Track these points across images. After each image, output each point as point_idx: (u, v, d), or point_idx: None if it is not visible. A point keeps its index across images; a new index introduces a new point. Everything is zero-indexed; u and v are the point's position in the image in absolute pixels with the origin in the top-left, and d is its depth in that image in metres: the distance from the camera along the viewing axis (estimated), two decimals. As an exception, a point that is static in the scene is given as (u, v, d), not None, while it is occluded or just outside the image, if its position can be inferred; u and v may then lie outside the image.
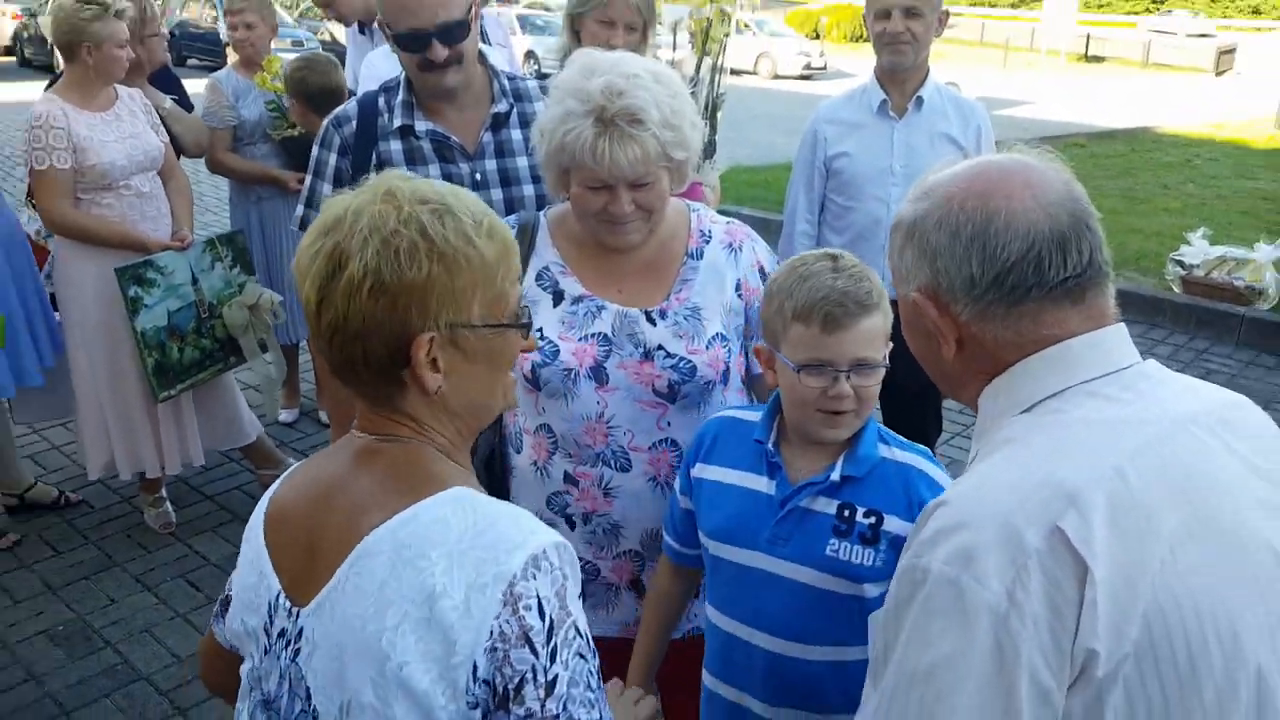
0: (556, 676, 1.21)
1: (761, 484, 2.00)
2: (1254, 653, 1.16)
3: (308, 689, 1.29)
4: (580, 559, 2.24)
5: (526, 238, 2.28)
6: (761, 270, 2.29)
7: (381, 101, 2.78)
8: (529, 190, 2.81)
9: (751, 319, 2.26)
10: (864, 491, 1.91)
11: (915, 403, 3.68)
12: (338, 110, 2.84)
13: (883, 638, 1.25)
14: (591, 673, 1.27)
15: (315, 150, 2.84)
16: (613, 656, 2.49)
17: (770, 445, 1.99)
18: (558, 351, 2.17)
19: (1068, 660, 1.11)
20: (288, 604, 1.34)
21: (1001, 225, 1.27)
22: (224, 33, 22.60)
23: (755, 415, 2.07)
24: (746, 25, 29.01)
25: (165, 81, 5.05)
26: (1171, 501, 1.17)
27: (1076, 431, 1.24)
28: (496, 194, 2.78)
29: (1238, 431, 1.28)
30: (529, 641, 1.21)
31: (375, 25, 5.27)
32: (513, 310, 1.39)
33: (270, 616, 1.36)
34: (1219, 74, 31.41)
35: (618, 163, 1.99)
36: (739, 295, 2.26)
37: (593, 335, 2.19)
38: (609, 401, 2.18)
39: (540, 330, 2.18)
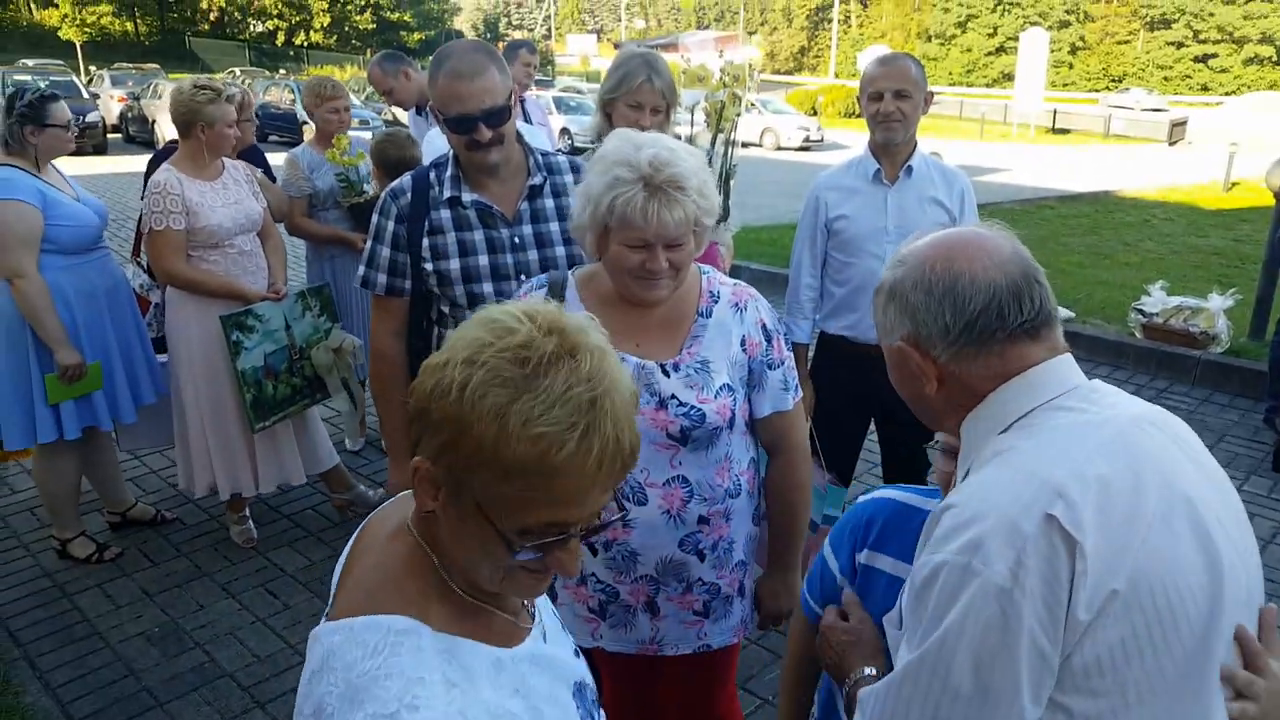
0: None
1: None
2: (1232, 596, 1.27)
3: None
4: (602, 582, 2.29)
5: (557, 294, 2.29)
6: (763, 327, 2.29)
7: (433, 175, 2.83)
8: (560, 251, 2.84)
9: (754, 370, 2.28)
10: None
11: (913, 444, 3.70)
12: (393, 184, 2.87)
13: (910, 621, 1.31)
14: None
15: (375, 217, 2.86)
16: (629, 670, 2.50)
17: None
18: None
19: (1062, 626, 1.20)
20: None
21: (966, 283, 1.37)
22: (300, 113, 22.92)
23: (928, 503, 1.76)
24: (753, 104, 29.14)
25: (253, 157, 5.13)
26: (1146, 482, 1.26)
27: (1054, 436, 1.32)
28: (532, 254, 2.81)
29: (1172, 428, 1.40)
30: None
31: (429, 108, 5.38)
32: (516, 523, 1.10)
33: None
34: (1172, 144, 31.26)
35: (665, 223, 2.03)
36: (743, 349, 2.26)
37: None
38: None
39: None
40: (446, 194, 2.78)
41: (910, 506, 1.78)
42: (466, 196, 2.78)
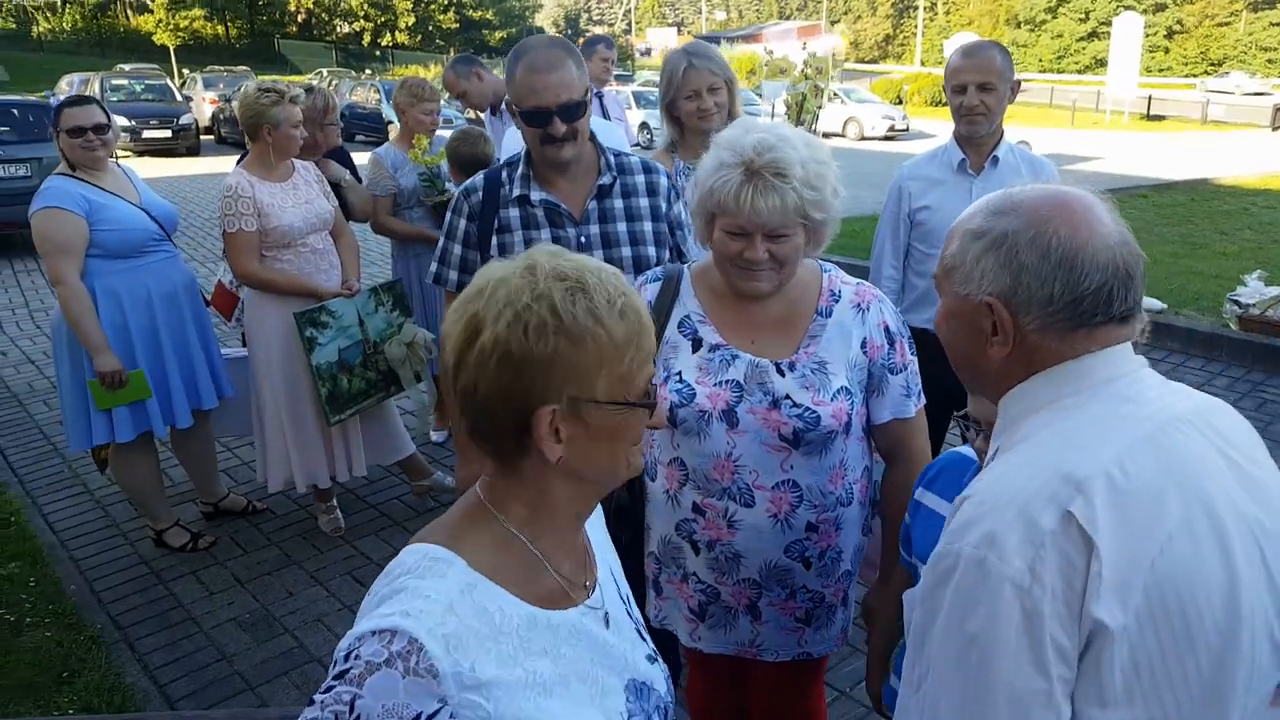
0: (314, 701, 1.12)
1: None
2: (1250, 616, 1.20)
3: None
4: (703, 582, 2.28)
5: (671, 287, 2.27)
6: (886, 329, 2.20)
7: (504, 174, 2.84)
8: (627, 252, 2.84)
9: (874, 374, 2.20)
10: None
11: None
12: (467, 182, 2.90)
13: (920, 614, 1.28)
14: None
15: (448, 215, 2.90)
16: (727, 671, 2.52)
17: None
18: (694, 394, 2.14)
19: (1078, 623, 1.15)
20: None
21: (1088, 256, 1.28)
22: (386, 113, 23.28)
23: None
24: (835, 94, 28.87)
25: (340, 159, 5.25)
26: (1169, 489, 1.20)
27: (1084, 425, 1.27)
28: (599, 254, 2.77)
29: (1219, 429, 1.31)
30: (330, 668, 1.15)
31: (504, 108, 5.44)
32: (640, 389, 1.26)
33: None
34: (1276, 129, 30.18)
35: (757, 210, 1.96)
36: (864, 351, 2.17)
37: (726, 381, 2.15)
38: (738, 443, 2.14)
39: (680, 373, 2.17)
40: (515, 192, 2.79)
41: (966, 457, 2.07)
42: (535, 195, 2.78)
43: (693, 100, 3.48)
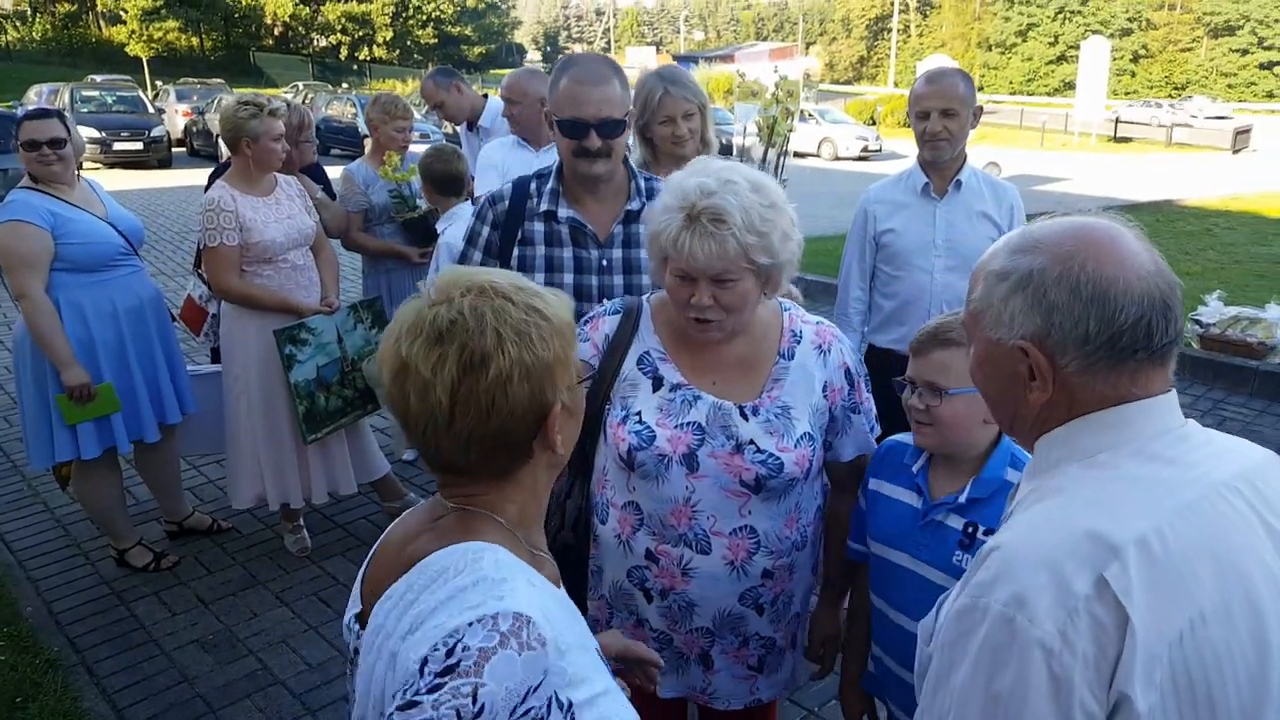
0: (418, 704, 1.09)
1: (911, 498, 2.12)
2: (1278, 694, 1.15)
3: (354, 698, 1.31)
4: (654, 629, 2.24)
5: (631, 320, 2.21)
6: (847, 371, 2.18)
7: (533, 186, 2.78)
8: (648, 280, 2.73)
9: (836, 417, 2.18)
10: (988, 511, 1.96)
11: None
12: (495, 190, 2.85)
13: (939, 660, 1.23)
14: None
15: (471, 222, 2.84)
16: (675, 712, 2.50)
17: (916, 469, 2.12)
18: (654, 437, 2.08)
19: (1106, 691, 1.10)
20: (357, 625, 1.35)
21: (1120, 290, 1.22)
22: (362, 127, 23.26)
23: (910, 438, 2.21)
24: (809, 114, 29.04)
25: (315, 175, 5.21)
26: (1205, 565, 1.15)
27: (1124, 488, 1.21)
28: (619, 279, 2.75)
29: (1265, 496, 1.25)
30: (421, 671, 1.12)
31: (480, 125, 5.48)
32: (578, 362, 1.38)
33: (352, 634, 1.37)
34: (1236, 152, 30.65)
35: (695, 255, 1.92)
36: (825, 395, 2.15)
37: (688, 424, 2.09)
38: (697, 487, 2.09)
39: (639, 414, 2.11)
40: (543, 207, 2.73)
41: (902, 443, 2.19)
42: (562, 212, 2.72)
43: (667, 125, 3.49)
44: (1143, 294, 1.22)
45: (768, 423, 2.08)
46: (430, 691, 1.09)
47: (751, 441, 2.06)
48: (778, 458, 2.05)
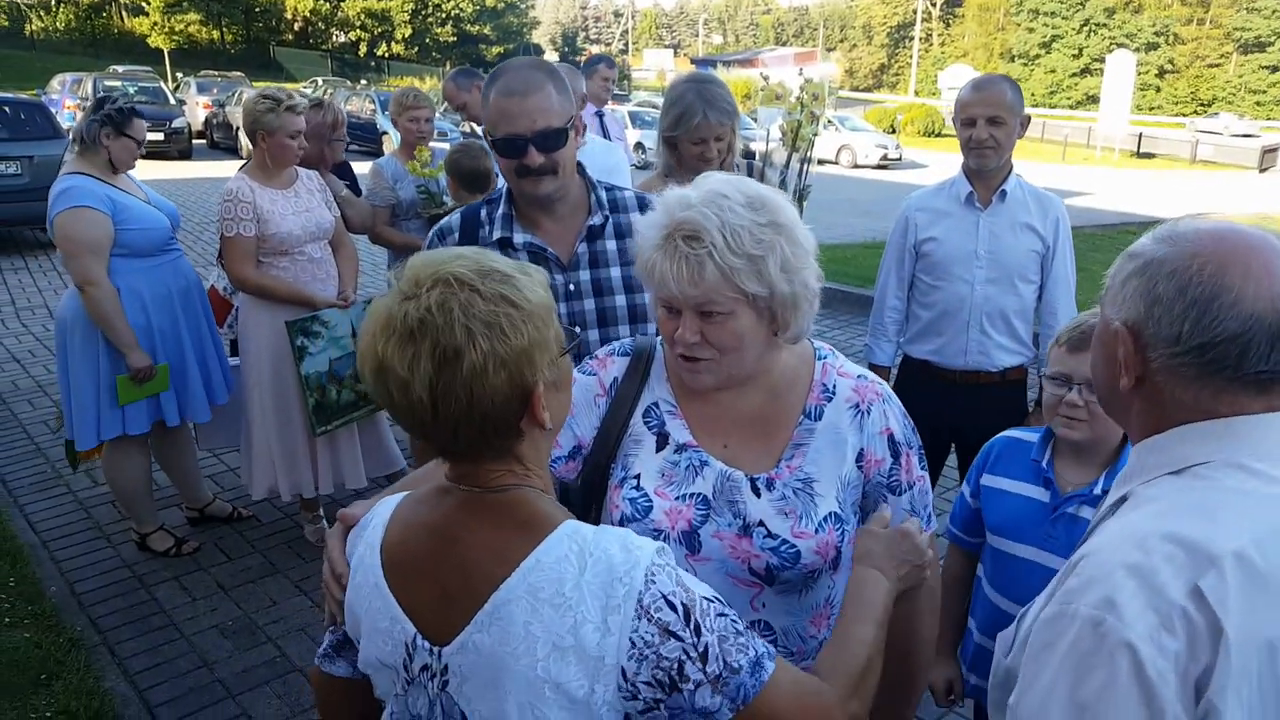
0: (707, 645, 1.23)
1: (1037, 493, 2.24)
2: None
3: (462, 713, 1.30)
4: None
5: (641, 366, 1.88)
6: (891, 439, 1.78)
7: (484, 213, 2.55)
8: (621, 300, 2.53)
9: (869, 494, 1.78)
10: None
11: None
12: (441, 223, 2.62)
13: (1026, 672, 1.19)
14: (733, 620, 1.28)
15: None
16: None
17: (1044, 463, 2.25)
18: (650, 508, 1.74)
19: (1195, 703, 1.08)
20: (427, 644, 1.32)
21: (1228, 302, 1.17)
22: (380, 123, 23.33)
23: (1031, 436, 2.34)
24: (830, 121, 29.00)
25: (342, 172, 5.27)
26: None
27: (1223, 499, 1.18)
28: (589, 304, 2.51)
29: None
30: (671, 634, 1.21)
31: (483, 132, 5.45)
32: (560, 331, 1.39)
33: (410, 654, 1.34)
34: (1263, 170, 30.48)
35: (666, 279, 1.62)
36: (859, 467, 1.76)
37: (691, 495, 1.74)
38: (699, 571, 1.70)
39: (638, 478, 1.77)
40: (496, 235, 2.48)
41: (1019, 439, 2.35)
42: (518, 238, 2.48)
43: (698, 146, 3.44)
44: (1254, 314, 1.17)
45: (783, 500, 1.72)
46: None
47: (761, 523, 1.71)
48: (792, 545, 1.69)
